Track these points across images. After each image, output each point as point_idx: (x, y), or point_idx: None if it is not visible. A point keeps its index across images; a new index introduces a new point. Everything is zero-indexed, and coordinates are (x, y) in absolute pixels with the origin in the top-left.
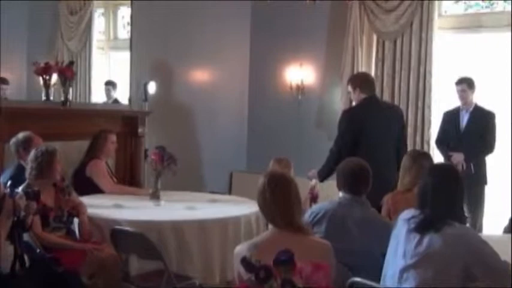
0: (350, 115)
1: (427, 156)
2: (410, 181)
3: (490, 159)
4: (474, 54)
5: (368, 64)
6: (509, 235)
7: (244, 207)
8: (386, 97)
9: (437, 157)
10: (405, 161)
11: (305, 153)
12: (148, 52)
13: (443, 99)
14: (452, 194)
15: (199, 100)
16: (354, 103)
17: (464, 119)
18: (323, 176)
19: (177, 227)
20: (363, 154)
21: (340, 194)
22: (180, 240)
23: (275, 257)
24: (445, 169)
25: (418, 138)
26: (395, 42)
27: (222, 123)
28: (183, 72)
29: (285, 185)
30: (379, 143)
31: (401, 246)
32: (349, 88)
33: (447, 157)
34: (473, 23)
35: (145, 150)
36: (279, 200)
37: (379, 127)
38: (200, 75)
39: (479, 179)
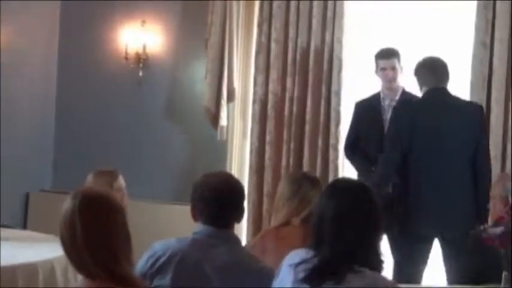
0: (400, 111)
1: (313, 181)
2: (289, 212)
3: None
4: (403, 14)
5: (248, 26)
6: None
7: (46, 248)
8: (274, 76)
9: (350, 171)
10: (283, 187)
11: (148, 162)
12: None
13: (358, 82)
14: (362, 227)
15: None
16: None
17: (389, 112)
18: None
19: None
20: (412, 171)
21: (198, 226)
22: None
23: None
24: (353, 189)
25: (320, 142)
26: None
27: (13, 115)
28: None
29: (106, 212)
30: (439, 156)
31: None
32: None
33: (365, 172)
34: None
35: None
36: (94, 234)
37: (440, 133)
38: None
39: None
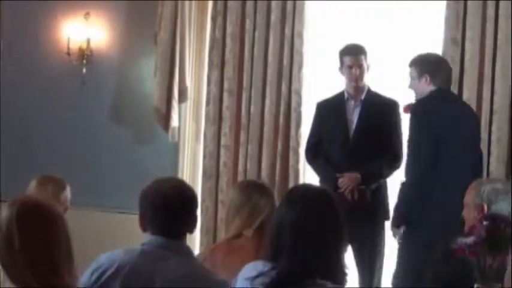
0: (422, 110)
1: (262, 188)
2: (240, 224)
3: (392, 181)
4: (368, 13)
5: (201, 19)
6: None
7: None
8: (229, 73)
9: (311, 177)
10: (232, 197)
11: (92, 167)
12: None
13: (320, 80)
14: (324, 237)
15: None
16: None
17: (354, 113)
18: (401, 220)
19: None
20: (443, 173)
21: (147, 236)
22: None
23: None
24: (314, 196)
25: (279, 145)
26: None
27: None
28: None
29: (46, 222)
30: (460, 156)
31: None
32: (412, 73)
33: (328, 177)
34: None
35: None
36: (34, 245)
37: (459, 133)
38: None
39: (377, 211)
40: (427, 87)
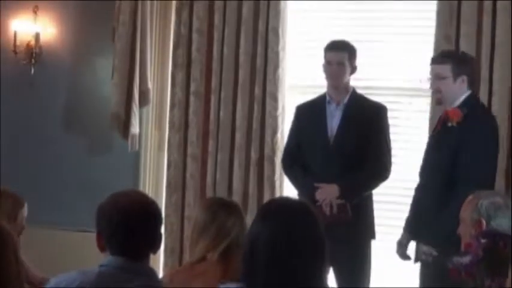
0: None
1: (230, 207)
2: (205, 246)
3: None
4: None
5: (165, 13)
6: None
7: None
8: (196, 74)
9: (289, 189)
10: (197, 217)
11: (43, 180)
12: None
13: (298, 82)
14: (303, 255)
15: None
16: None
17: (334, 117)
18: None
19: None
20: None
21: (105, 257)
22: None
23: None
24: (292, 210)
25: (253, 153)
26: None
27: None
28: None
29: None
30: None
31: None
32: (445, 71)
33: (306, 190)
34: None
35: None
36: None
37: None
38: None
39: (361, 229)
40: (460, 90)
